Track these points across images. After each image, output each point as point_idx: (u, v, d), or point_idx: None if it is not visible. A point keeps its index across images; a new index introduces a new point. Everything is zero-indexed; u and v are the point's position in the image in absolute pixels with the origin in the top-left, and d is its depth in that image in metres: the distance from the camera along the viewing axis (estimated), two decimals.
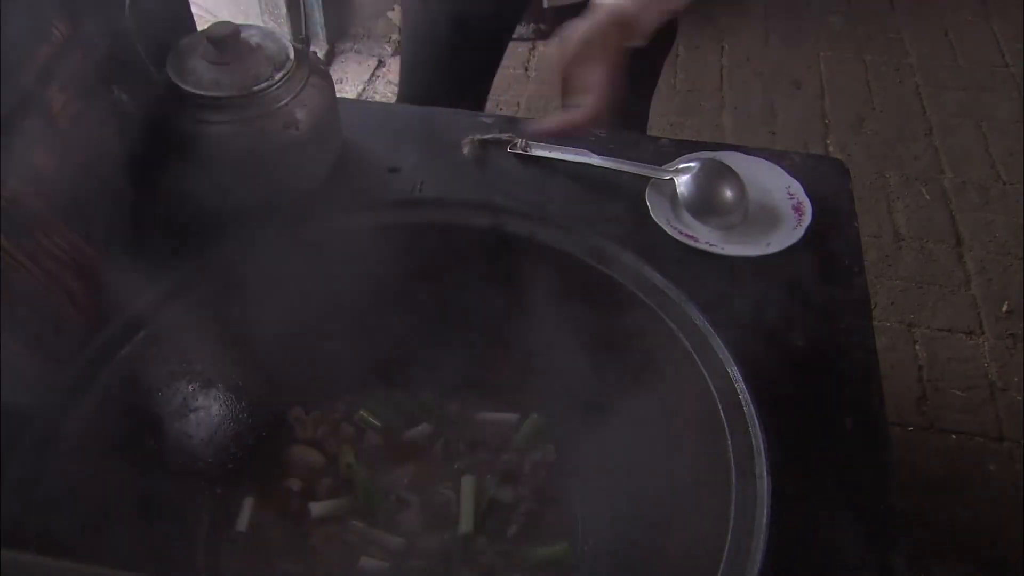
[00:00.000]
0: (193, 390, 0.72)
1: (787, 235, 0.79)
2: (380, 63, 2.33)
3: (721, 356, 0.64)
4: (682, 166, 0.83)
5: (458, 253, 0.74)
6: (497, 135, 0.90)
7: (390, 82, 2.25)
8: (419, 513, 0.71)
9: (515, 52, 2.30)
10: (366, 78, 2.28)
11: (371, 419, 0.77)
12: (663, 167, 0.84)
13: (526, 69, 2.28)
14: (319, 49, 2.33)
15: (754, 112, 2.15)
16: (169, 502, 0.67)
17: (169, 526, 0.66)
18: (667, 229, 0.78)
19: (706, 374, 0.63)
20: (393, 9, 2.33)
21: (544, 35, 2.31)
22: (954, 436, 1.44)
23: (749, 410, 0.60)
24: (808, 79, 2.25)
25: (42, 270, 0.63)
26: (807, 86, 2.23)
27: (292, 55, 0.77)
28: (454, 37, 1.10)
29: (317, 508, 0.71)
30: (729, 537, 0.54)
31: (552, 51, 0.80)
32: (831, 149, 2.04)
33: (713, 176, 0.82)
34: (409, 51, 1.20)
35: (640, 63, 0.85)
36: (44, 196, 0.63)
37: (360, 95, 2.21)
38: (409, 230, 0.75)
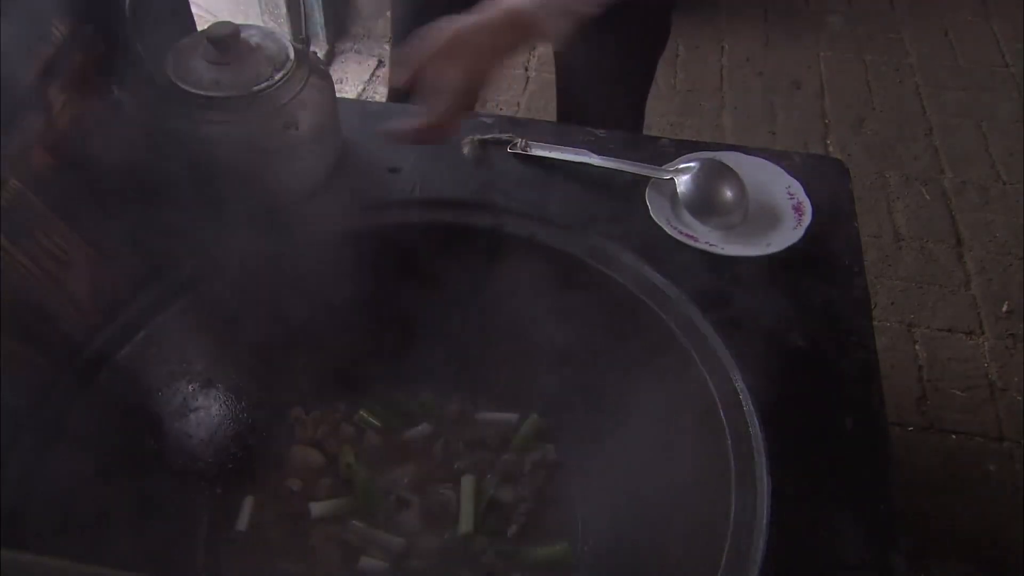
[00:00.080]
0: (193, 390, 0.72)
1: (787, 235, 0.79)
2: (380, 63, 2.33)
3: (721, 356, 0.64)
4: (682, 166, 0.83)
5: (458, 253, 0.74)
6: (497, 135, 0.90)
7: None
8: (419, 513, 0.71)
9: None
10: (366, 78, 2.28)
11: (371, 419, 0.77)
12: (663, 167, 0.84)
13: (526, 69, 2.27)
14: (319, 49, 2.33)
15: (754, 112, 2.15)
16: (169, 502, 0.67)
17: (169, 526, 0.66)
18: (667, 229, 0.78)
19: (706, 374, 0.63)
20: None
21: None
22: (954, 436, 1.44)
23: (749, 410, 0.60)
24: (808, 79, 2.25)
25: (42, 270, 0.63)
26: (807, 86, 2.23)
27: (292, 55, 0.77)
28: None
29: (317, 508, 0.71)
30: (729, 537, 0.54)
31: (419, 41, 0.72)
32: (831, 149, 2.04)
33: (713, 176, 0.82)
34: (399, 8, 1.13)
35: (633, 62, 0.83)
36: (44, 196, 0.63)
37: (360, 95, 2.21)
38: (409, 230, 0.75)
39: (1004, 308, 1.64)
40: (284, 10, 2.21)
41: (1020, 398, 1.49)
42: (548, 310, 0.71)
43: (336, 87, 0.85)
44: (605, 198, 0.83)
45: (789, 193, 0.83)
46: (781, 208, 0.82)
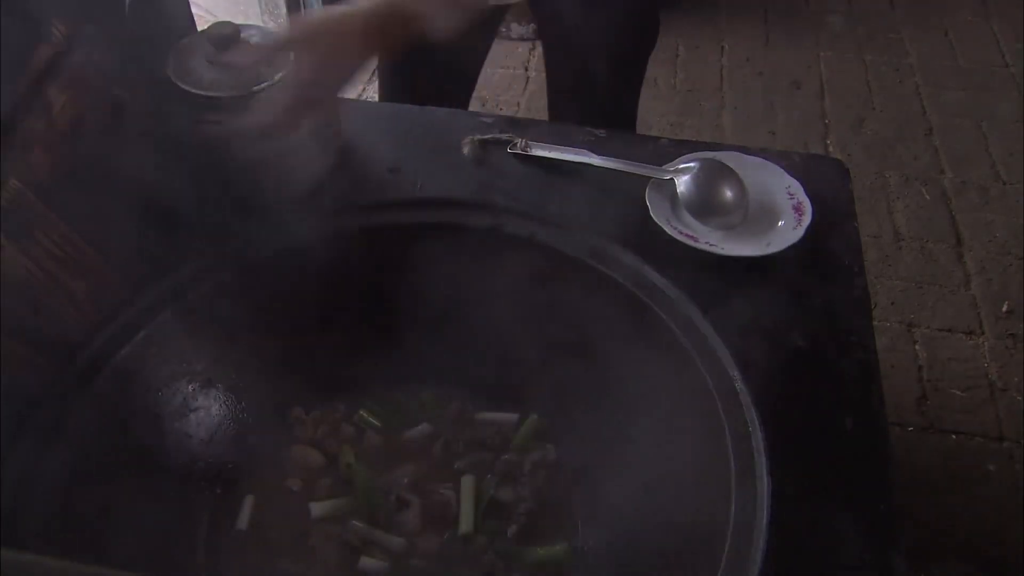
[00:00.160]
0: (193, 390, 0.72)
1: (787, 235, 0.79)
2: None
3: (721, 356, 0.64)
4: (682, 166, 0.83)
5: (458, 253, 0.74)
6: (497, 135, 0.90)
7: None
8: (419, 513, 0.70)
9: (515, 52, 2.29)
10: (366, 78, 2.28)
11: (371, 419, 0.77)
12: (663, 167, 0.84)
13: (526, 69, 2.27)
14: None
15: (754, 112, 2.15)
16: (169, 502, 0.67)
17: (169, 526, 0.66)
18: (667, 229, 0.78)
19: (706, 374, 0.63)
20: None
21: None
22: (954, 436, 1.44)
23: (749, 410, 0.60)
24: (808, 79, 2.25)
25: (42, 270, 0.63)
26: (807, 86, 2.23)
27: (292, 55, 0.77)
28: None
29: (317, 508, 0.71)
30: (729, 537, 0.54)
31: (290, 25, 0.68)
32: (831, 149, 2.03)
33: (713, 176, 0.82)
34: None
35: (624, 61, 0.82)
36: (44, 196, 0.63)
37: (360, 95, 2.21)
38: (409, 230, 0.75)
39: (1004, 308, 1.64)
40: (284, 10, 2.21)
41: (1020, 398, 1.49)
42: (548, 310, 0.71)
43: None
44: (605, 198, 0.83)
45: (789, 193, 0.83)
46: (781, 208, 0.82)
